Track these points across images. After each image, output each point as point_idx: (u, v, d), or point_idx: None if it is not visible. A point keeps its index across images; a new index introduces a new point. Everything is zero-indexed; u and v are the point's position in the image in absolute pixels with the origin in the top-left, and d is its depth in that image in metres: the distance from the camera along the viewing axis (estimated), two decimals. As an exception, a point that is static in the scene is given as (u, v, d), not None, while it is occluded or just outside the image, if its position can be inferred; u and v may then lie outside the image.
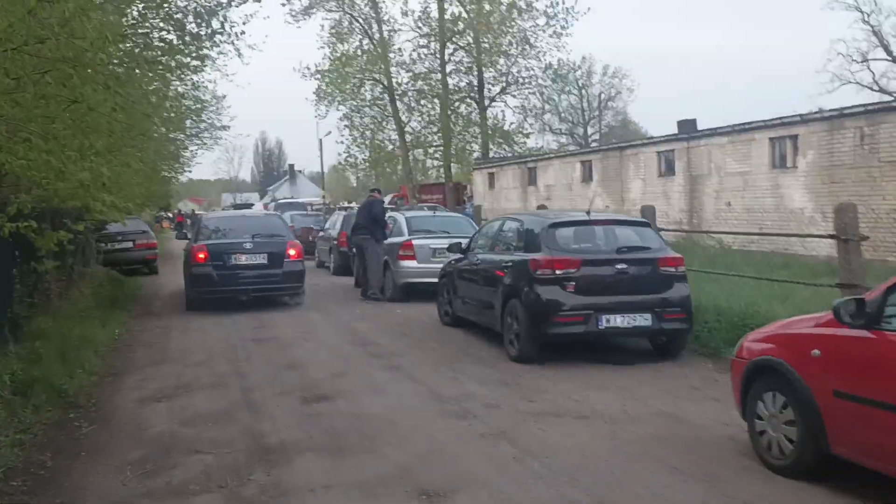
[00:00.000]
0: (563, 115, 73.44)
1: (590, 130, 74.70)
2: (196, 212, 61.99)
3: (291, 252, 13.89)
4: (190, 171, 31.88)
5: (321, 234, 22.40)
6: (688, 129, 23.74)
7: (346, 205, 24.36)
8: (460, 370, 8.47)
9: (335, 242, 19.77)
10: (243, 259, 13.55)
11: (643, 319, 8.38)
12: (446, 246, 13.42)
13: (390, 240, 14.73)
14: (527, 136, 45.13)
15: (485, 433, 6.04)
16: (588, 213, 9.29)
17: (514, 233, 9.70)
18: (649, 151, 24.55)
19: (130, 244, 19.77)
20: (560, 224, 9.01)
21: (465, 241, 11.48)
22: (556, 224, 8.97)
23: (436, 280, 12.58)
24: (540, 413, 6.59)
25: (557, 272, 8.39)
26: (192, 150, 30.63)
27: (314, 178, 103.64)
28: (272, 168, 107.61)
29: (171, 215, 60.67)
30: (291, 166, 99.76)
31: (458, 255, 11.28)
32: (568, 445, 5.69)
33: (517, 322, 8.72)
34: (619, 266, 8.45)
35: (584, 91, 73.18)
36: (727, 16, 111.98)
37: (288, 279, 13.83)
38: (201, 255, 13.49)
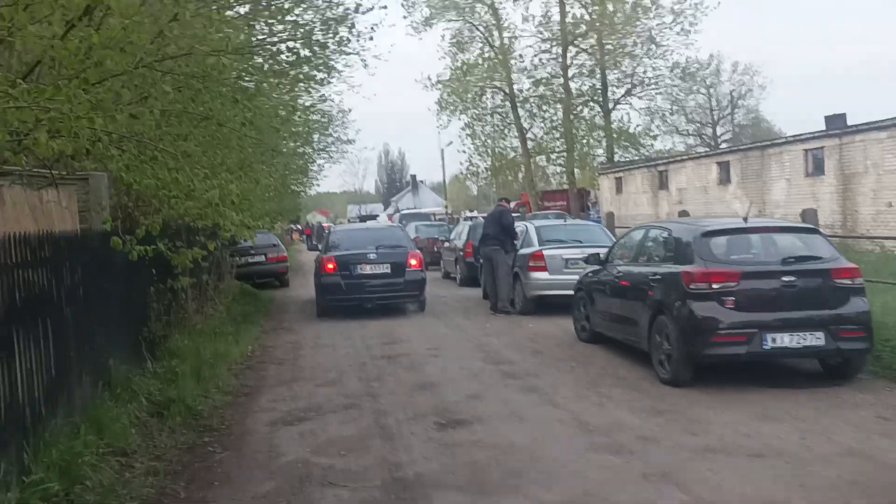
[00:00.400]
0: (689, 115, 70.89)
1: (719, 131, 71.72)
2: (323, 224, 63.79)
3: (413, 262, 14.62)
4: (318, 185, 32.47)
5: (446, 244, 22.10)
6: (838, 124, 21.92)
7: (469, 214, 23.91)
8: (606, 394, 7.79)
9: (461, 253, 19.39)
10: (368, 269, 14.41)
11: (815, 338, 7.43)
12: (579, 256, 12.90)
13: (520, 250, 14.17)
14: (654, 137, 43.68)
15: (646, 473, 5.36)
16: (745, 219, 8.41)
17: (662, 242, 8.92)
18: (795, 150, 22.87)
19: (262, 258, 20.08)
20: (715, 232, 8.17)
21: (603, 252, 10.78)
22: (710, 232, 8.13)
23: (569, 292, 12.21)
24: (706, 449, 5.83)
25: (714, 286, 7.56)
26: (319, 164, 31.35)
27: (436, 189, 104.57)
28: (395, 179, 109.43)
29: (300, 227, 62.46)
30: (413, 177, 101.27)
31: (596, 267, 10.59)
32: (747, 492, 4.93)
33: (668, 341, 7.95)
34: (785, 278, 7.53)
35: (712, 90, 70.43)
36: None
37: (409, 287, 14.60)
38: (330, 266, 14.40)
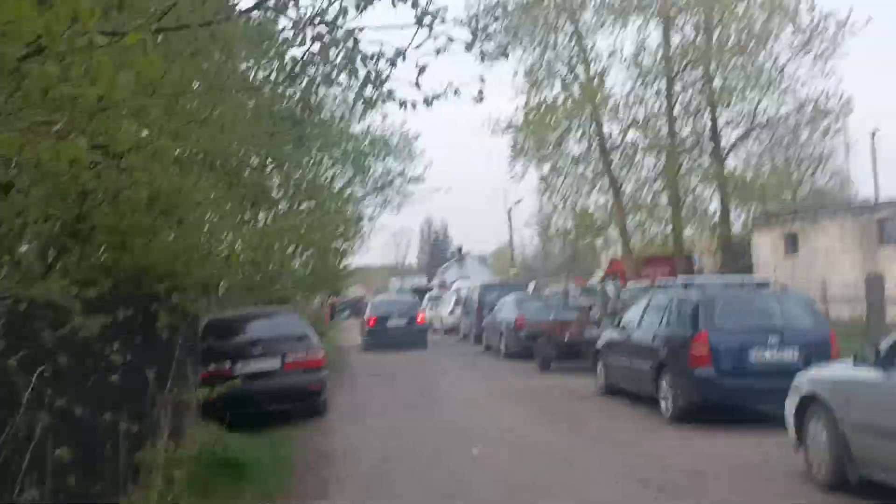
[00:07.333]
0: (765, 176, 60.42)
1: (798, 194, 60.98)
2: (364, 298, 54.49)
3: (420, 318, 23.47)
4: (365, 241, 23.33)
5: (610, 334, 11.61)
6: None
7: (684, 281, 12.89)
8: None
9: (685, 364, 8.90)
10: (394, 322, 22.63)
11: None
12: None
13: None
14: (794, 189, 33.58)
15: None
16: None
17: None
18: None
19: (276, 363, 9.84)
20: None
21: None
22: None
23: None
24: None
25: None
26: (373, 208, 21.94)
27: (481, 260, 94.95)
28: (438, 251, 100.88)
29: (334, 302, 52.11)
30: (459, 248, 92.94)
31: None
32: None
33: None
34: None
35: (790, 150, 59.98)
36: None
37: (419, 334, 22.77)
38: (371, 321, 23.00)
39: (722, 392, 8.58)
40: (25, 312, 3.55)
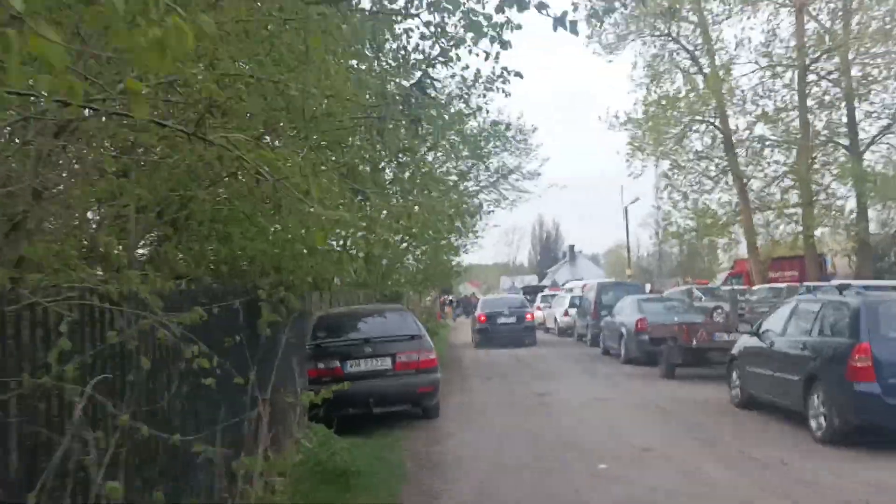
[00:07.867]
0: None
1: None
2: (475, 294, 53.97)
3: (528, 316, 23.60)
4: (480, 239, 22.56)
5: (751, 341, 10.38)
6: None
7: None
8: None
9: (842, 372, 7.70)
10: (503, 320, 22.85)
11: None
12: None
13: None
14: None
15: None
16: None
17: None
18: None
19: (387, 363, 9.34)
20: None
21: None
22: None
23: None
24: None
25: None
26: (488, 205, 21.37)
27: (594, 260, 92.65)
28: (550, 250, 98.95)
29: (452, 300, 51.80)
30: (571, 247, 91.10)
31: None
32: None
33: None
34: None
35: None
36: None
37: (527, 332, 22.91)
38: (482, 318, 23.29)
39: (888, 411, 7.36)
40: (102, 309, 3.06)
